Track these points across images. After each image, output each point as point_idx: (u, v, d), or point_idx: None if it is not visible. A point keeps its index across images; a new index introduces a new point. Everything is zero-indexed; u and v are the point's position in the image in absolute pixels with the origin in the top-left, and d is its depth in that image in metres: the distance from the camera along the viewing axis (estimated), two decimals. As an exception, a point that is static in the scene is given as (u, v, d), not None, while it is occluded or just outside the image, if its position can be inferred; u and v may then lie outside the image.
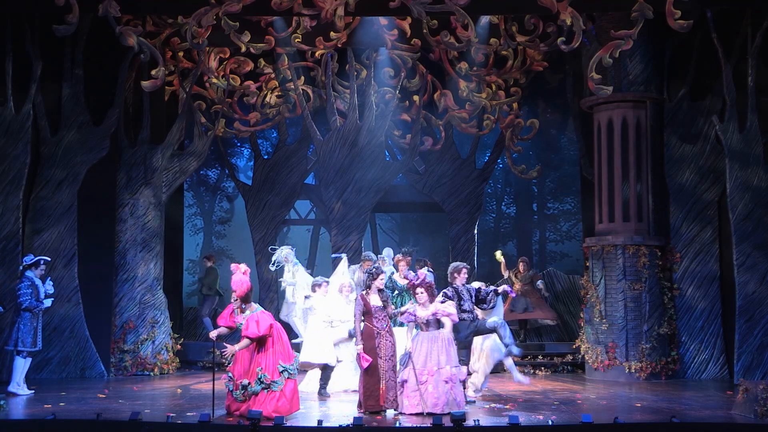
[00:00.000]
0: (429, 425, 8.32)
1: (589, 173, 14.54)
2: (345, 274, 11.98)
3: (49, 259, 11.89)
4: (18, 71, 13.06)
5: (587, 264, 13.64)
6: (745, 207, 12.73)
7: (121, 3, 11.65)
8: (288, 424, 8.56)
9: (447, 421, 8.33)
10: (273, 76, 15.84)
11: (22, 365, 11.22)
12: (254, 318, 9.04)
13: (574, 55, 13.78)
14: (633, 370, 12.81)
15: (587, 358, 13.27)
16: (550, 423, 8.59)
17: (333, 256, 12.95)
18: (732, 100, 12.94)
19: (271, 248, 14.46)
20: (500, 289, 10.82)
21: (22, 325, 11.19)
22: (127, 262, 13.86)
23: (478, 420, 8.56)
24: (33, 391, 11.13)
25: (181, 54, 14.76)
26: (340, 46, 13.80)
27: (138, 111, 14.34)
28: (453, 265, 10.65)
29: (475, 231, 16.39)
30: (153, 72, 12.42)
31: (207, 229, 28.59)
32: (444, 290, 10.30)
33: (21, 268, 11.64)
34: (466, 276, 10.54)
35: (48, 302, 11.40)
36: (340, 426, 8.32)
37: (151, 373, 13.61)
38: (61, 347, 13.04)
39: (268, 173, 16.42)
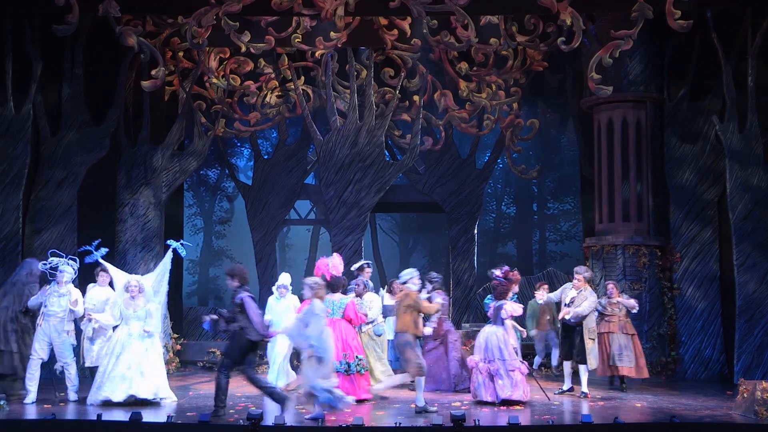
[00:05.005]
0: (429, 425, 8.32)
1: (589, 173, 14.53)
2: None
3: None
4: (18, 71, 13.06)
5: (587, 264, 13.62)
6: (745, 207, 12.73)
7: (121, 3, 11.66)
8: (288, 423, 8.55)
9: (447, 421, 8.33)
10: (273, 76, 15.83)
11: None
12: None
13: (574, 55, 13.77)
14: (633, 370, 12.79)
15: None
16: (550, 423, 8.59)
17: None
18: (732, 100, 12.94)
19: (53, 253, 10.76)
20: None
21: None
22: (127, 262, 13.83)
23: (479, 420, 8.56)
24: None
25: (181, 54, 14.75)
26: (340, 46, 13.78)
27: (138, 111, 14.33)
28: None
29: (475, 231, 16.38)
30: (153, 72, 12.44)
31: (207, 229, 28.60)
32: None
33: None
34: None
35: None
36: (340, 426, 8.31)
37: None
38: (61, 347, 13.02)
39: (268, 173, 16.41)
